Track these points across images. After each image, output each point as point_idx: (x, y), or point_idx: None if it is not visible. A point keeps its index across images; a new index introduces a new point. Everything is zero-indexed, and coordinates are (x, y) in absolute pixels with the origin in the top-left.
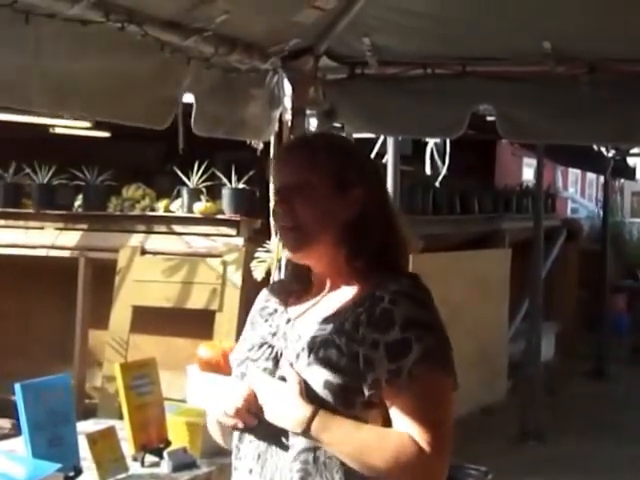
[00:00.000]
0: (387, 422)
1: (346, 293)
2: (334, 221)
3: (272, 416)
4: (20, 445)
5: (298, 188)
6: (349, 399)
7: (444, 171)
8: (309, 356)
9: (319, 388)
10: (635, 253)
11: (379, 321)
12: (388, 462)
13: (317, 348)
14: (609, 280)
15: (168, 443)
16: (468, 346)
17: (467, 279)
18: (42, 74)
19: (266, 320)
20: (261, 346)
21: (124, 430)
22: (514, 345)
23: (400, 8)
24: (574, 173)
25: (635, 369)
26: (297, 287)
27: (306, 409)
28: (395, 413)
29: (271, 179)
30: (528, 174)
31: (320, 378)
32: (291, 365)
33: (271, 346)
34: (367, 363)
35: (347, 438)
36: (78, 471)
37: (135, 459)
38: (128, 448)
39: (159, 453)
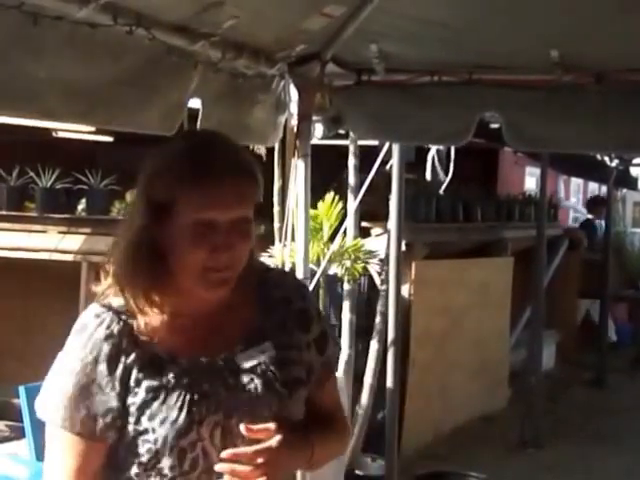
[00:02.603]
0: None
1: (231, 305)
2: None
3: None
4: (22, 448)
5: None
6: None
7: (448, 179)
8: (281, 384)
9: (301, 406)
10: (636, 263)
11: (302, 322)
12: (344, 446)
13: (280, 372)
14: (610, 290)
15: None
16: (469, 354)
17: (469, 287)
18: (59, 84)
19: (140, 379)
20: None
21: None
22: (515, 353)
23: (407, 15)
24: (576, 183)
25: (635, 379)
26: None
27: (306, 450)
28: (325, 399)
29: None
30: (530, 183)
31: (301, 398)
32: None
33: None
34: (309, 366)
35: (325, 451)
36: None
37: None
38: None
39: None
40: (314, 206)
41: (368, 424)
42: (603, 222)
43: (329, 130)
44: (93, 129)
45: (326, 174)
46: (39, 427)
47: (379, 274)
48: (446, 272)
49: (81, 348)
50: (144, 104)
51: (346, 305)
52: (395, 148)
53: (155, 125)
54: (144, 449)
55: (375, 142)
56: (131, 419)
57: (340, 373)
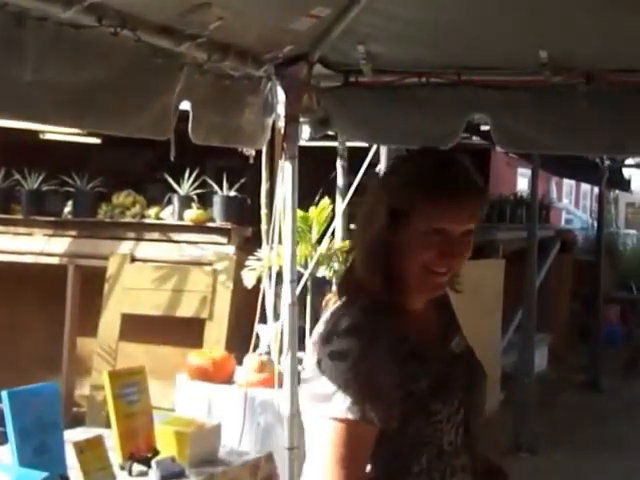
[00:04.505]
0: None
1: (429, 304)
2: None
3: None
4: (5, 453)
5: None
6: None
7: None
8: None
9: None
10: (629, 264)
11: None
12: None
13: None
14: (603, 291)
15: (156, 452)
16: None
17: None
18: (44, 87)
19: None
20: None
21: (112, 439)
22: (507, 356)
23: (395, 16)
24: (568, 184)
25: (628, 381)
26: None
27: None
28: None
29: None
30: (522, 184)
31: None
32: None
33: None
34: None
35: None
36: (65, 479)
37: (123, 468)
38: (116, 457)
39: (147, 462)
40: (303, 208)
41: None
42: None
43: (316, 132)
44: (81, 131)
45: (315, 176)
46: (22, 432)
47: None
48: None
49: (365, 346)
50: (133, 107)
51: None
52: (383, 150)
53: (148, 129)
54: (430, 430)
55: (364, 143)
56: (419, 404)
57: None
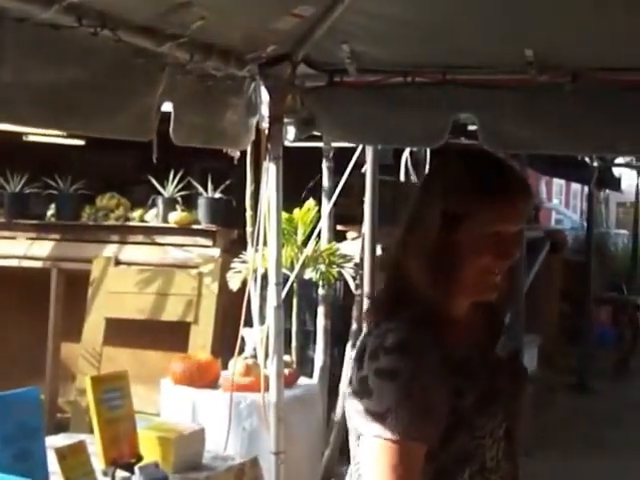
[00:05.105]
0: None
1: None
2: None
3: None
4: None
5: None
6: None
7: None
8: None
9: None
10: (620, 265)
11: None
12: None
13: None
14: (593, 292)
15: (139, 458)
16: None
17: None
18: (25, 88)
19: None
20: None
21: (94, 444)
22: None
23: (379, 15)
24: (558, 184)
25: (619, 383)
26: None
27: None
28: None
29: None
30: None
31: None
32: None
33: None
34: None
35: None
36: None
37: (105, 474)
38: (98, 463)
39: (130, 468)
40: (289, 210)
41: (345, 432)
42: None
43: (301, 132)
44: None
45: (302, 176)
46: (4, 439)
47: (354, 279)
48: None
49: (414, 364)
50: (114, 108)
51: (321, 310)
52: (368, 150)
53: (130, 131)
54: (473, 445)
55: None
56: (464, 420)
57: (315, 380)
